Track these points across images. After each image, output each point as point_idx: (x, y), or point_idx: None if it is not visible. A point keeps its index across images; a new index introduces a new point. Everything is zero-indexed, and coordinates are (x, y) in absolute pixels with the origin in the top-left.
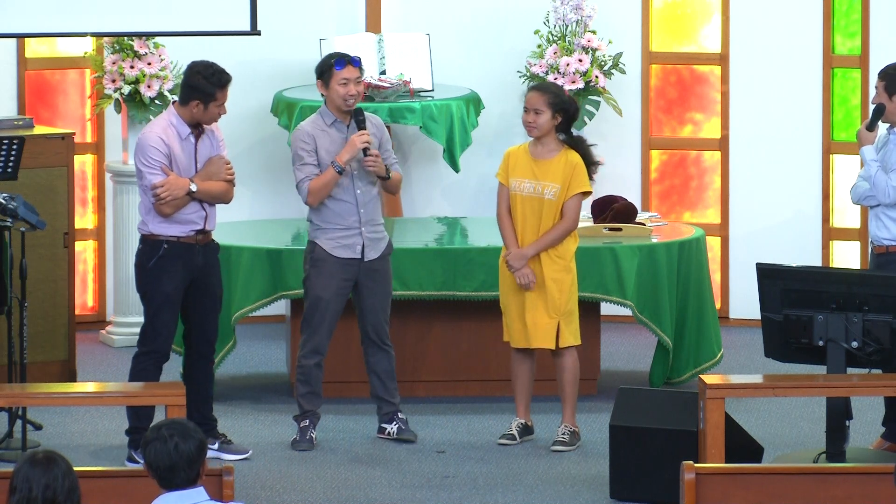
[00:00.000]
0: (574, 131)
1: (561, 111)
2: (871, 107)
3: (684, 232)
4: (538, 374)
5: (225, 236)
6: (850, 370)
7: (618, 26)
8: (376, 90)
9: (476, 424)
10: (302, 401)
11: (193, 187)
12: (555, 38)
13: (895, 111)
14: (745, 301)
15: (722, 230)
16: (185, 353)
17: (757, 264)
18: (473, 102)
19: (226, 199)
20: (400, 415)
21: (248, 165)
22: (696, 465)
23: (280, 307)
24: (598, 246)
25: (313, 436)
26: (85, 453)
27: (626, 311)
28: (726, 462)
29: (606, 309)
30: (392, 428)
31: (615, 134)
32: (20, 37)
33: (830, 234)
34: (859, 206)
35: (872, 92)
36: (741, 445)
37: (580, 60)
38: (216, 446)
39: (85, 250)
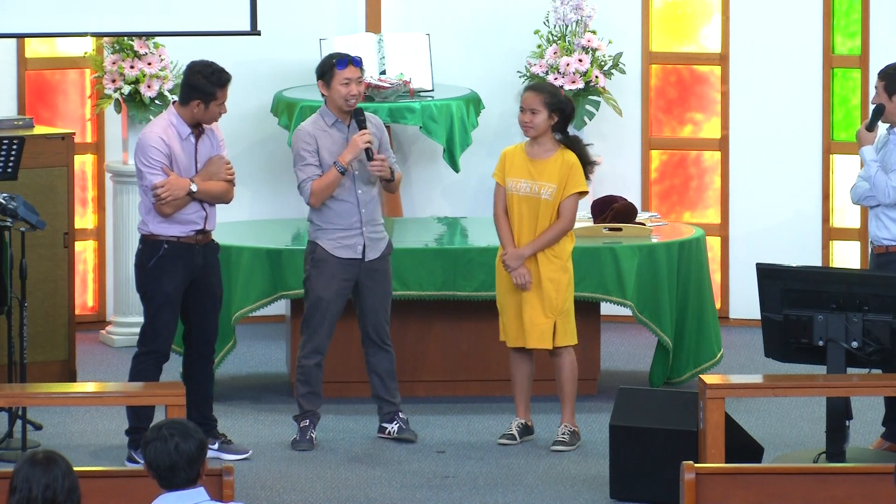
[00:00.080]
0: (574, 131)
1: (557, 111)
2: (871, 107)
3: (684, 232)
4: (537, 374)
5: (225, 236)
6: (850, 370)
7: (618, 26)
8: (376, 90)
9: (476, 424)
10: (302, 401)
11: (194, 187)
12: (555, 38)
13: (895, 111)
14: (745, 301)
15: (722, 230)
16: (185, 353)
17: (757, 264)
18: (473, 102)
19: (226, 199)
20: (401, 415)
21: (248, 165)
22: (696, 465)
23: (280, 307)
24: (598, 246)
25: (313, 436)
26: (85, 453)
27: (626, 311)
28: (726, 462)
29: (606, 309)
30: (393, 427)
31: (615, 134)
32: (20, 37)
33: (830, 234)
34: (859, 206)
35: (872, 92)
36: (741, 445)
37: (580, 60)
38: (216, 446)
39: (85, 250)
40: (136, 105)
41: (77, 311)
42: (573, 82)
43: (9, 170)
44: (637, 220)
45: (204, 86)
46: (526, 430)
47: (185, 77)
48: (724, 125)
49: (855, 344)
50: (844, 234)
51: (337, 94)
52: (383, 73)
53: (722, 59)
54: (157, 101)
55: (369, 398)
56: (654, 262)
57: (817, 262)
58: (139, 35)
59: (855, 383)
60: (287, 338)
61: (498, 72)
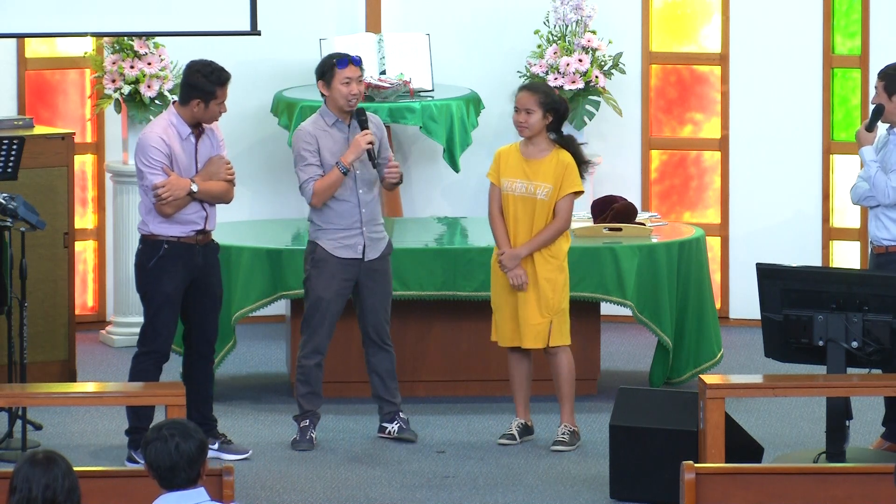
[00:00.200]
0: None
1: (552, 111)
2: (871, 107)
3: (684, 232)
4: (537, 374)
5: (225, 236)
6: (850, 370)
7: (618, 26)
8: (376, 90)
9: (476, 424)
10: (302, 401)
11: (194, 187)
12: (555, 38)
13: (895, 111)
14: (745, 301)
15: (722, 230)
16: (185, 353)
17: (757, 264)
18: (473, 102)
19: (226, 199)
20: (401, 414)
21: (248, 165)
22: (696, 465)
23: (280, 307)
24: (598, 246)
25: (313, 436)
26: (85, 453)
27: (626, 311)
28: (726, 462)
29: (606, 309)
30: (393, 427)
31: (615, 134)
32: (20, 37)
33: (830, 234)
34: (859, 206)
35: (872, 92)
36: (741, 445)
37: (580, 60)
38: (216, 446)
39: (85, 250)
40: (136, 105)
41: (77, 311)
42: (573, 82)
43: (9, 170)
44: (637, 220)
45: (203, 85)
46: (526, 430)
47: (185, 76)
48: (724, 125)
49: (855, 344)
50: (844, 234)
51: (338, 94)
52: (383, 73)
53: (722, 59)
54: (157, 101)
55: (369, 398)
56: (654, 262)
57: (817, 262)
58: (139, 35)
59: (855, 383)
60: (287, 338)
61: (498, 72)
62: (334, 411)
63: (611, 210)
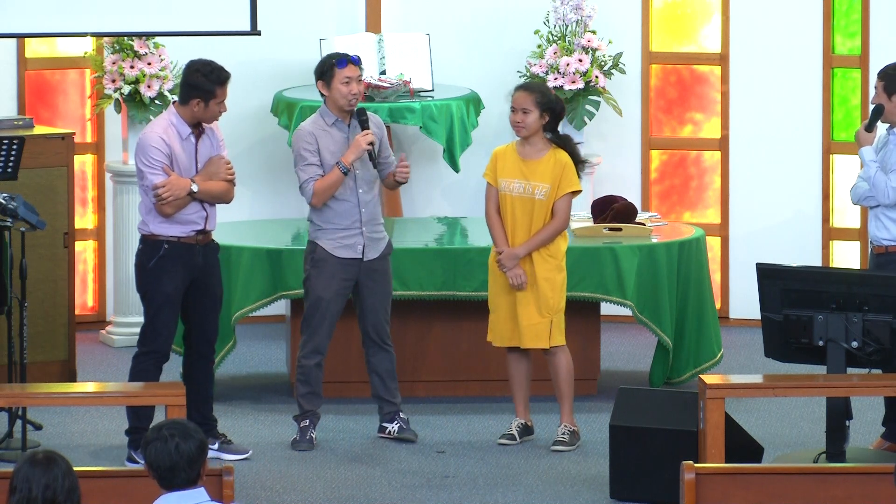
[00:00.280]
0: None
1: (548, 110)
2: (871, 107)
3: (684, 232)
4: (538, 374)
5: (225, 236)
6: (850, 370)
7: (618, 26)
8: (376, 90)
9: (476, 424)
10: (302, 401)
11: (195, 187)
12: (555, 38)
13: (894, 111)
14: (745, 301)
15: (722, 230)
16: (185, 353)
17: (757, 264)
18: (473, 102)
19: (226, 199)
20: (401, 414)
21: (248, 165)
22: (696, 465)
23: (280, 307)
24: (598, 246)
25: (313, 436)
26: (85, 453)
27: (626, 311)
28: (726, 462)
29: (606, 309)
30: (393, 427)
31: (615, 134)
32: (20, 37)
33: (830, 234)
34: (859, 206)
35: (872, 92)
36: (741, 445)
37: (580, 60)
38: (216, 446)
39: (85, 250)
40: (136, 105)
41: (77, 311)
42: (573, 82)
43: (9, 170)
44: (637, 220)
45: (203, 84)
46: (526, 430)
47: (185, 76)
48: (724, 125)
49: (855, 344)
50: (844, 234)
51: (338, 94)
52: (383, 73)
53: (722, 59)
54: (157, 101)
55: (369, 398)
56: (654, 262)
57: (817, 262)
58: (139, 35)
59: (855, 383)
60: (287, 338)
61: (498, 72)
62: (334, 411)
63: (611, 210)
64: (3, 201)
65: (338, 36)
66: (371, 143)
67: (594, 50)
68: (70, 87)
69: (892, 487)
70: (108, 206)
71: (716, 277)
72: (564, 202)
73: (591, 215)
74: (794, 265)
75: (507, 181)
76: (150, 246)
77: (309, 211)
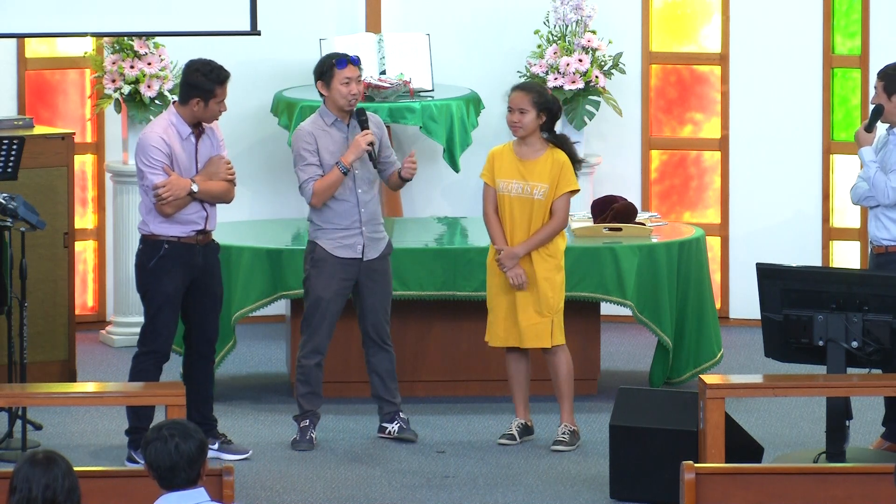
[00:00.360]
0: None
1: (545, 110)
2: (871, 107)
3: (684, 232)
4: (538, 374)
5: (225, 236)
6: (850, 370)
7: (618, 26)
8: (376, 90)
9: (476, 424)
10: (302, 401)
11: (195, 187)
12: (555, 38)
13: (894, 111)
14: (745, 301)
15: (722, 230)
16: (185, 353)
17: (757, 264)
18: (473, 102)
19: (227, 198)
20: (401, 414)
21: (248, 165)
22: (696, 465)
23: (280, 307)
24: (598, 246)
25: (313, 436)
26: (85, 453)
27: (626, 311)
28: (726, 462)
29: (606, 309)
30: (393, 427)
31: (615, 134)
32: (20, 37)
33: (830, 234)
34: (859, 206)
35: (872, 92)
36: (741, 445)
37: (580, 60)
38: (216, 446)
39: (85, 250)
40: (136, 105)
41: (77, 311)
42: (573, 82)
43: (9, 170)
44: (637, 220)
45: (203, 83)
46: (526, 430)
47: (184, 76)
48: (724, 125)
49: (855, 344)
50: (844, 234)
51: (338, 94)
52: (383, 73)
53: (722, 59)
54: (157, 101)
55: (369, 398)
56: (654, 262)
57: (817, 262)
58: (139, 35)
59: (855, 383)
60: (287, 338)
61: (498, 72)
62: (334, 411)
63: (611, 210)
64: (3, 201)
65: (338, 36)
66: (371, 144)
67: (594, 50)
68: (70, 87)
69: (892, 487)
70: (108, 206)
71: (716, 277)
72: (563, 202)
73: (591, 215)
74: (794, 265)
75: (505, 182)
76: (150, 246)
77: (309, 211)
